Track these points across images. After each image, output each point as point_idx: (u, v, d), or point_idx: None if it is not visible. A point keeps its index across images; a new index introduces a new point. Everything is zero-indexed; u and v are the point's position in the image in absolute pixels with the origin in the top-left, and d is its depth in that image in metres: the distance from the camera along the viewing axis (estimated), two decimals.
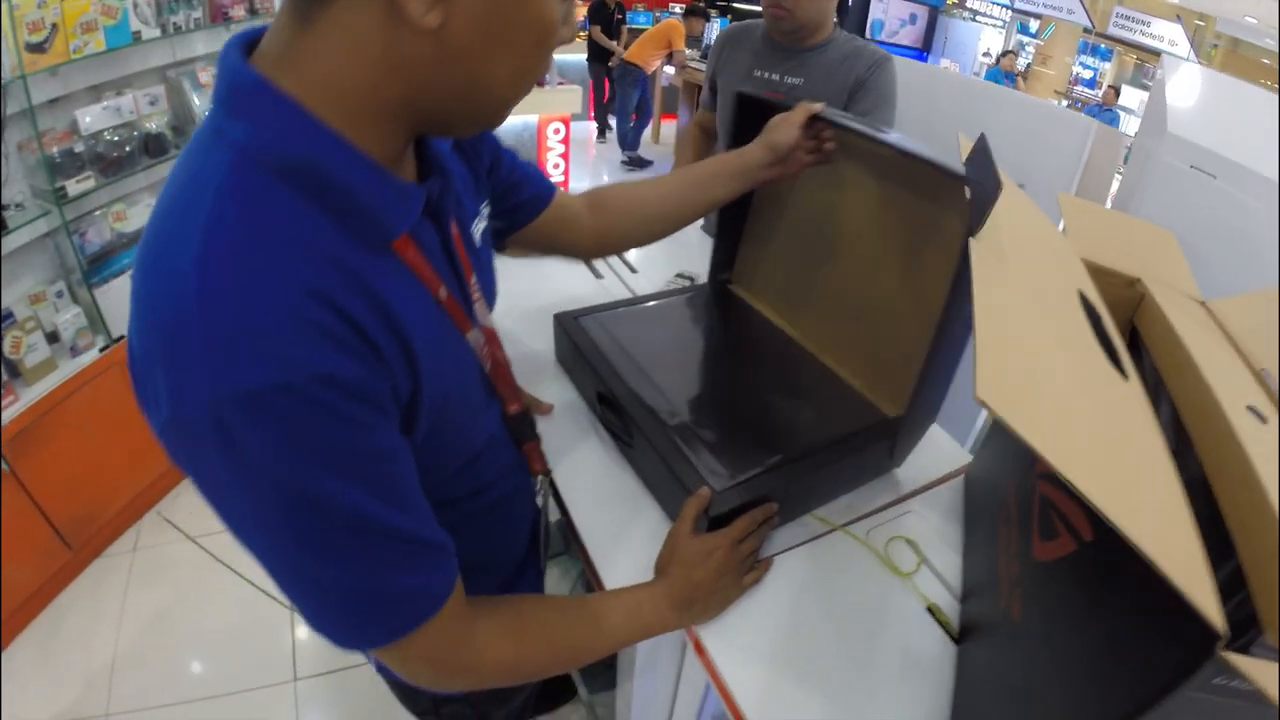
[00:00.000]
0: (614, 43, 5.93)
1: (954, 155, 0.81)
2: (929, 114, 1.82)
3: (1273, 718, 0.33)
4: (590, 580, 0.84)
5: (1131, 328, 0.77)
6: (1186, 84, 1.46)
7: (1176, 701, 0.36)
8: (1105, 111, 6.95)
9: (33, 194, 1.75)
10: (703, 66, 5.42)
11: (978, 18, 10.16)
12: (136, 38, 1.82)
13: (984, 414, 1.57)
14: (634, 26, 6.47)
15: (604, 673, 1.55)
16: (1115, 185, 1.78)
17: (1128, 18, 8.00)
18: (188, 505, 2.26)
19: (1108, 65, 9.13)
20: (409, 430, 0.51)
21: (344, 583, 0.47)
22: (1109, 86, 7.98)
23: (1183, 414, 0.59)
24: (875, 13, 9.49)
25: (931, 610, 0.77)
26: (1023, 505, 0.68)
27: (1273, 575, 0.40)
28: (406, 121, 0.48)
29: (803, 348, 1.06)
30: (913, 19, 9.71)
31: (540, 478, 0.79)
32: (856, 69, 1.50)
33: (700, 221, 1.79)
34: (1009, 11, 9.51)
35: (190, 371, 0.39)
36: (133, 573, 2.03)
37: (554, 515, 0.88)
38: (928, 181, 0.89)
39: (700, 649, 0.73)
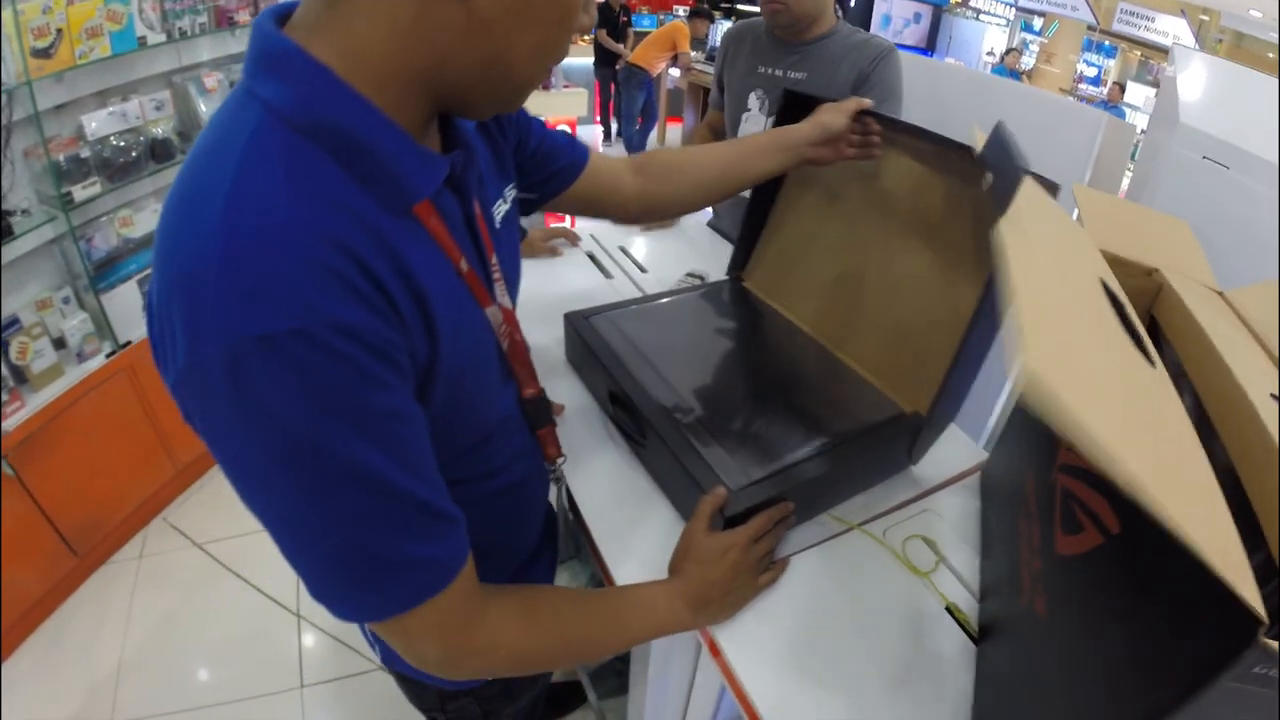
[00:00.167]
0: (620, 45, 5.93)
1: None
2: (939, 109, 1.81)
3: None
4: (603, 582, 0.83)
5: (1150, 318, 0.76)
6: (1197, 75, 1.45)
7: (1217, 691, 0.35)
8: (1111, 108, 6.92)
9: (39, 200, 1.75)
10: (707, 68, 5.43)
11: (981, 16, 10.14)
12: (142, 43, 1.82)
13: (998, 411, 1.55)
14: (639, 30, 6.48)
15: (613, 678, 1.54)
16: (1126, 181, 1.76)
17: (1132, 13, 7.97)
18: (194, 512, 2.26)
19: (1112, 62, 9.09)
20: (424, 399, 0.51)
21: (350, 544, 0.46)
22: (1114, 83, 7.95)
23: (1206, 402, 0.58)
24: (879, 12, 9.49)
25: (950, 610, 0.76)
26: (1043, 500, 0.67)
27: None
28: (430, 94, 0.49)
29: (820, 344, 1.04)
30: (917, 18, 9.69)
31: (555, 464, 0.78)
32: (860, 62, 1.49)
33: (707, 217, 1.80)
34: (1013, 9, 9.48)
35: (209, 313, 0.39)
36: (138, 579, 2.03)
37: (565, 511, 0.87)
38: (962, 178, 0.88)
39: (715, 650, 0.72)
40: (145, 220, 2.00)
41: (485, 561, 0.58)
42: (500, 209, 0.67)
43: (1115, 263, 0.74)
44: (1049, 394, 0.34)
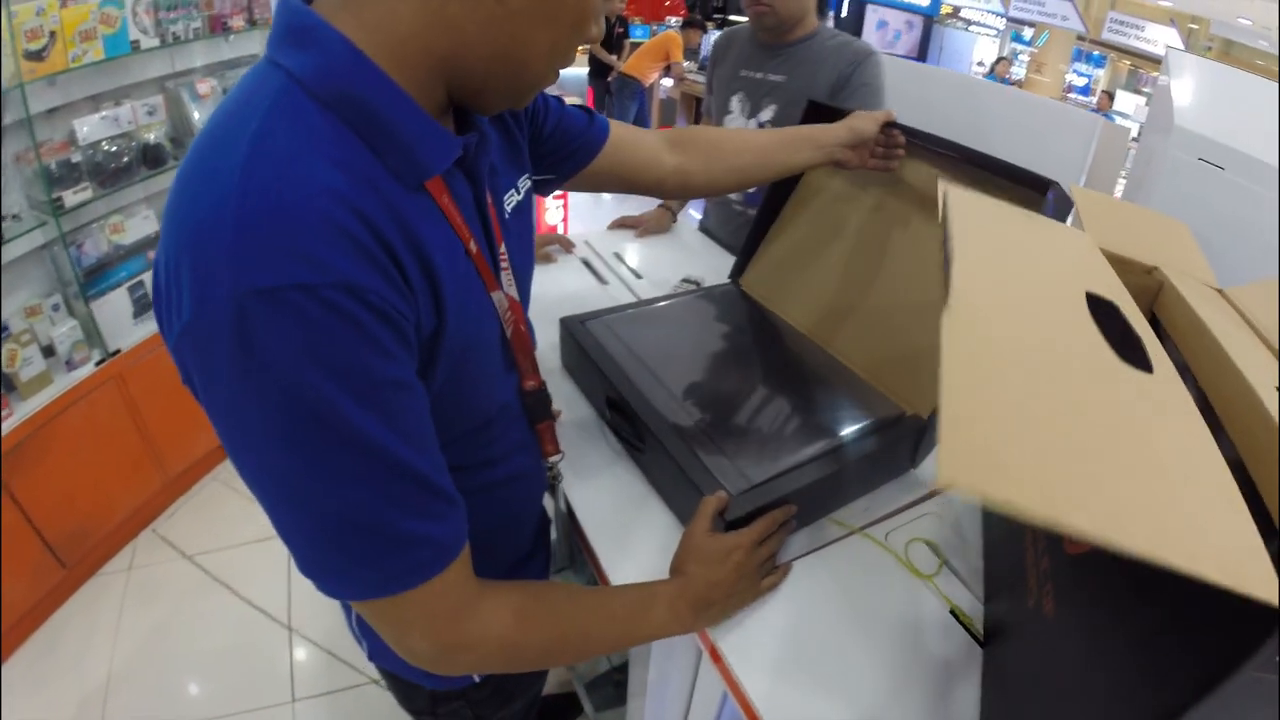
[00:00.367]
0: (613, 56, 5.96)
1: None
2: (935, 115, 1.81)
3: None
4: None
5: (1151, 315, 0.76)
6: (1192, 78, 1.46)
7: (1238, 682, 0.34)
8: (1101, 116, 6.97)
9: (29, 205, 1.73)
10: (700, 78, 5.47)
11: (971, 27, 10.24)
12: (135, 47, 1.81)
13: None
14: (635, 40, 6.51)
15: (610, 688, 1.52)
16: (1120, 186, 1.77)
17: (1122, 22, 8.06)
18: (184, 523, 2.23)
19: (1101, 71, 9.18)
20: (427, 375, 0.50)
21: (344, 512, 0.45)
22: (1103, 91, 8.03)
23: (1210, 397, 0.57)
24: (870, 23, 9.57)
25: (955, 613, 0.75)
26: None
27: None
28: (445, 82, 0.50)
29: (819, 347, 1.04)
30: (909, 27, 9.77)
31: (552, 460, 0.77)
32: (840, 65, 1.50)
33: (695, 220, 1.80)
34: (1003, 20, 9.58)
35: (219, 264, 0.39)
36: (128, 591, 2.00)
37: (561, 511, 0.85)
38: (976, 187, 0.88)
39: (716, 657, 0.71)
40: (136, 227, 1.98)
41: (478, 556, 0.57)
42: (512, 199, 0.67)
43: (1115, 261, 0.74)
44: (973, 493, 0.34)
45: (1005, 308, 0.52)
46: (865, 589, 0.77)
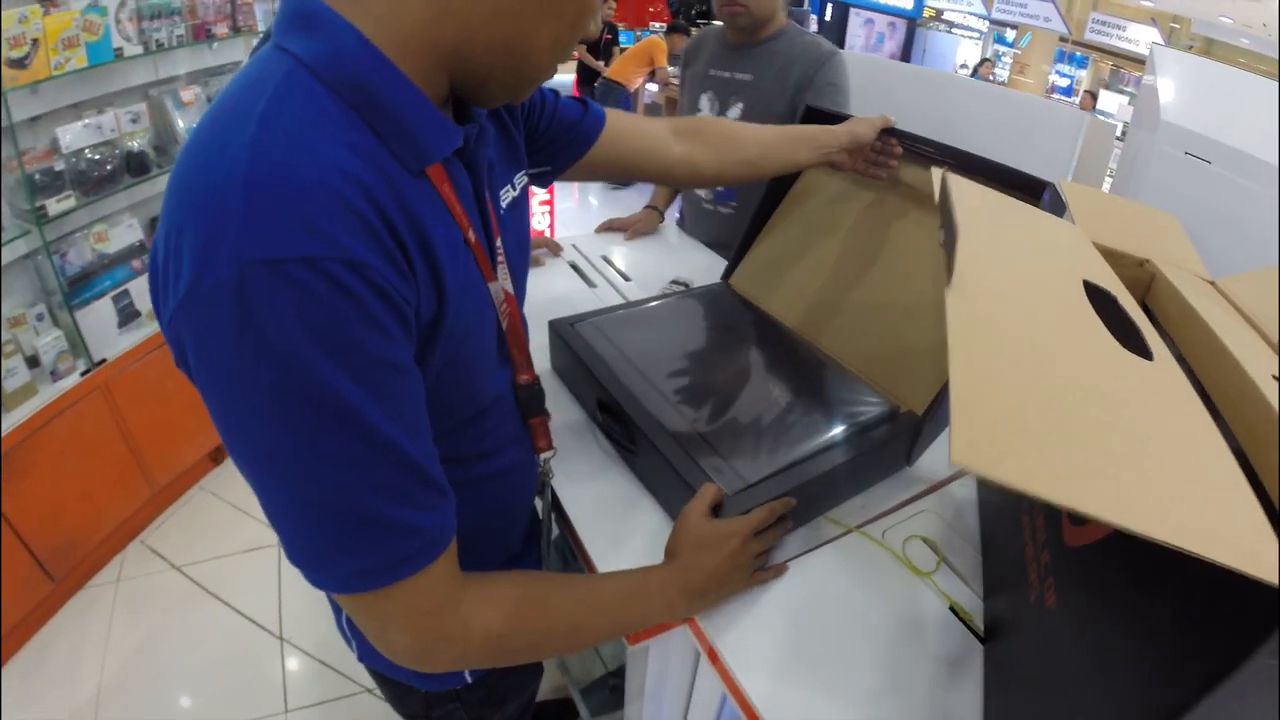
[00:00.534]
0: (600, 63, 5.97)
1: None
2: (923, 115, 1.83)
3: None
4: None
5: (1144, 308, 0.76)
6: (1177, 73, 1.47)
7: (1251, 670, 0.34)
8: None
9: (12, 214, 1.71)
10: None
11: (954, 30, 10.32)
12: (119, 54, 1.79)
13: None
14: (624, 46, 6.52)
15: (606, 692, 1.51)
16: (1107, 184, 1.78)
17: (1104, 23, 8.15)
18: (173, 534, 2.20)
19: (1083, 72, 9.27)
20: (423, 361, 0.50)
21: (332, 496, 0.44)
22: (1086, 91, 8.11)
23: (1207, 386, 0.57)
24: (853, 25, 9.63)
25: (954, 609, 0.74)
26: None
27: None
28: (448, 73, 0.50)
29: (811, 345, 1.03)
30: (892, 30, 9.84)
31: (545, 456, 0.76)
32: (805, 65, 1.51)
33: (673, 219, 1.80)
34: (985, 22, 9.66)
35: (224, 232, 0.39)
36: (117, 603, 1.97)
37: (554, 522, 0.85)
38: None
39: (715, 658, 0.70)
40: (120, 235, 1.96)
41: (467, 554, 0.56)
42: (508, 195, 0.67)
43: (1107, 254, 0.74)
44: (983, 475, 0.34)
45: (1007, 291, 0.52)
46: (864, 587, 0.77)
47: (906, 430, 0.88)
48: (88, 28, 1.68)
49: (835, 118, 1.02)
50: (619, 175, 0.92)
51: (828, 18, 9.62)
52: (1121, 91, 8.26)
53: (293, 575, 2.04)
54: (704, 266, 1.56)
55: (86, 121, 1.79)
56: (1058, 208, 0.86)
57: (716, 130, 0.96)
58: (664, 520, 0.84)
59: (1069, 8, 8.32)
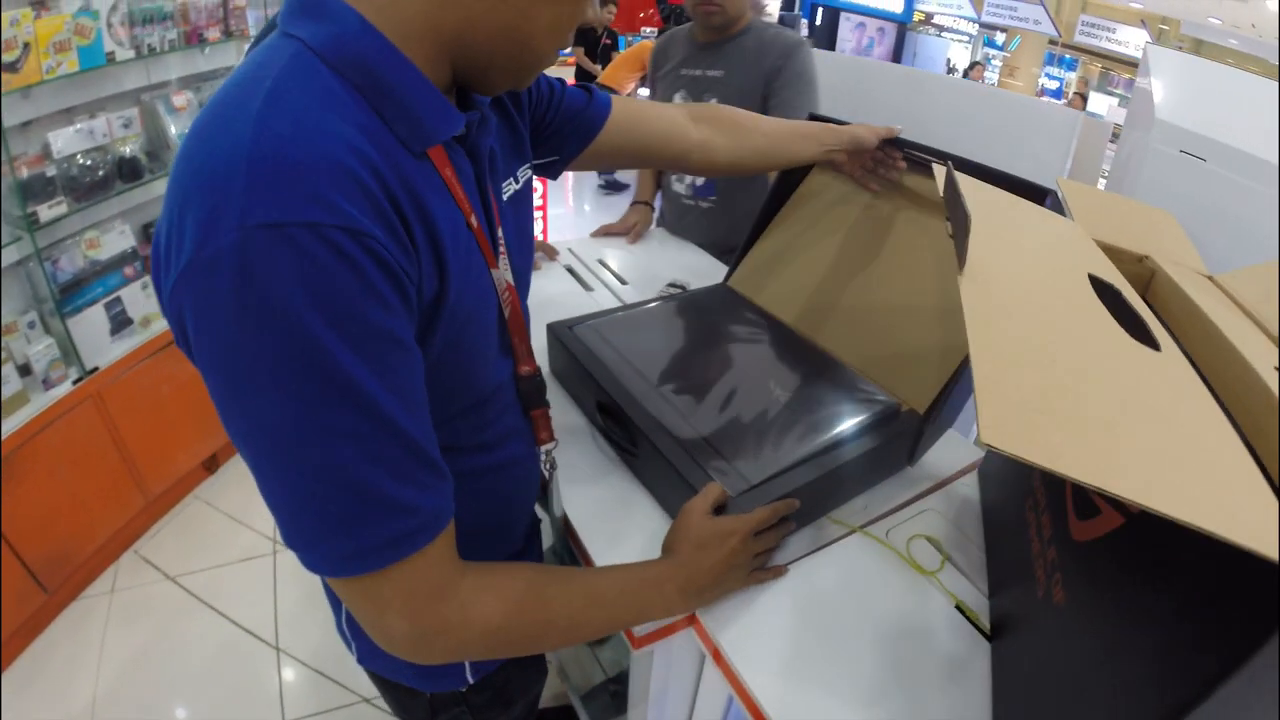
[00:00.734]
0: (597, 66, 5.98)
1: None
2: (917, 117, 1.83)
3: None
4: None
5: (1144, 302, 0.76)
6: (1170, 72, 1.47)
7: (1266, 656, 0.34)
8: None
9: (3, 220, 1.69)
10: None
11: (944, 33, 10.38)
12: (110, 58, 1.78)
13: None
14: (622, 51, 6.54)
15: (607, 698, 1.50)
16: (1101, 184, 1.79)
17: (1093, 25, 8.22)
18: (167, 544, 2.18)
19: (1073, 75, 9.35)
20: (425, 341, 0.50)
21: (328, 469, 0.44)
22: (1076, 94, 8.17)
23: (1209, 379, 0.57)
24: (844, 30, 9.68)
25: (960, 607, 0.74)
26: (1052, 489, 0.65)
27: None
28: (451, 60, 0.51)
29: (812, 344, 1.03)
30: (882, 34, 9.89)
31: (547, 448, 0.76)
32: (771, 57, 1.53)
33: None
34: (975, 25, 9.73)
35: (227, 202, 0.39)
36: (111, 614, 1.95)
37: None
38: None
39: (720, 659, 0.69)
40: (113, 242, 1.95)
41: (467, 549, 0.56)
42: (510, 187, 0.67)
43: (1106, 251, 0.75)
44: (1011, 454, 0.34)
45: (1018, 282, 0.52)
46: (869, 587, 0.77)
47: (909, 429, 0.87)
48: (79, 31, 1.67)
49: (839, 124, 1.03)
50: (633, 161, 0.92)
51: (818, 22, 9.66)
52: (1110, 93, 8.32)
53: (288, 584, 2.04)
54: (700, 269, 1.56)
55: (78, 126, 1.78)
56: (1059, 213, 0.86)
57: (729, 117, 0.96)
58: (664, 522, 0.84)
59: (1058, 10, 8.39)
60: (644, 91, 6.27)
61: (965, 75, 8.75)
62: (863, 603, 0.75)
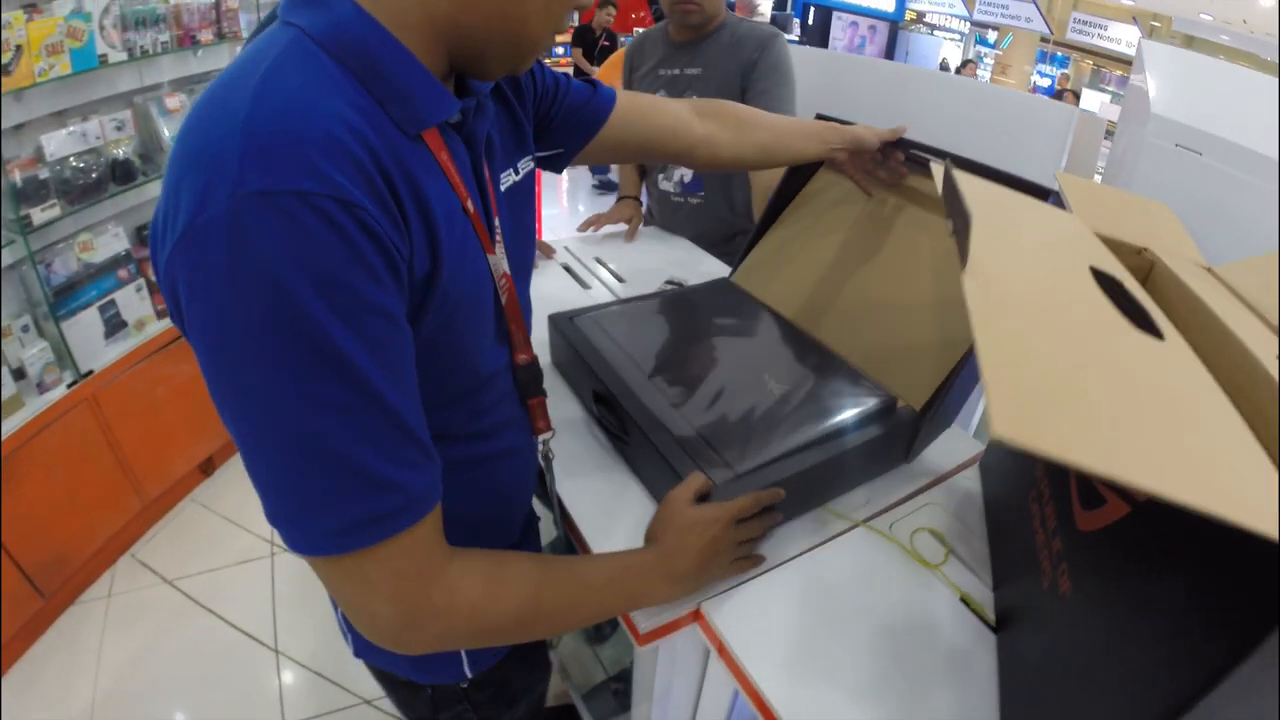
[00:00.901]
0: (594, 68, 5.98)
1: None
2: (912, 115, 1.83)
3: None
4: None
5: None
6: (1165, 66, 1.48)
7: (1273, 644, 0.34)
8: None
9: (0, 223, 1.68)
10: None
11: (935, 32, 10.41)
12: (103, 61, 1.77)
13: (983, 402, 1.56)
14: None
15: (609, 697, 1.50)
16: (1097, 179, 1.79)
17: (1085, 22, 8.26)
18: (164, 547, 2.18)
19: (1065, 72, 9.38)
20: (417, 320, 0.50)
21: (313, 442, 0.44)
22: (1068, 91, 8.20)
23: (1211, 369, 0.58)
24: (835, 29, 9.70)
25: (965, 600, 0.74)
26: (1056, 480, 0.66)
27: None
28: (447, 47, 0.52)
29: (810, 338, 1.03)
30: (873, 33, 9.91)
31: (544, 437, 0.75)
32: (747, 50, 1.53)
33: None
34: (967, 23, 9.76)
35: (223, 170, 0.40)
36: (109, 619, 1.94)
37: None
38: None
39: (726, 654, 0.69)
40: (106, 245, 1.94)
41: (467, 539, 0.55)
42: (509, 179, 0.67)
43: (1105, 243, 0.75)
44: (1026, 448, 0.33)
45: (1021, 276, 0.52)
46: (873, 581, 0.77)
47: (904, 426, 0.87)
48: (71, 34, 1.66)
49: (843, 125, 1.03)
50: (638, 155, 0.93)
51: (810, 22, 9.68)
52: (1103, 90, 8.36)
53: (287, 587, 2.03)
54: (697, 266, 1.56)
55: (71, 129, 1.77)
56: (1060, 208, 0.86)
57: (733, 112, 0.97)
58: (654, 509, 0.84)
59: (1050, 8, 8.42)
60: None
61: (958, 73, 8.78)
62: (867, 596, 0.75)
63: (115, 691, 1.75)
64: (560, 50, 6.51)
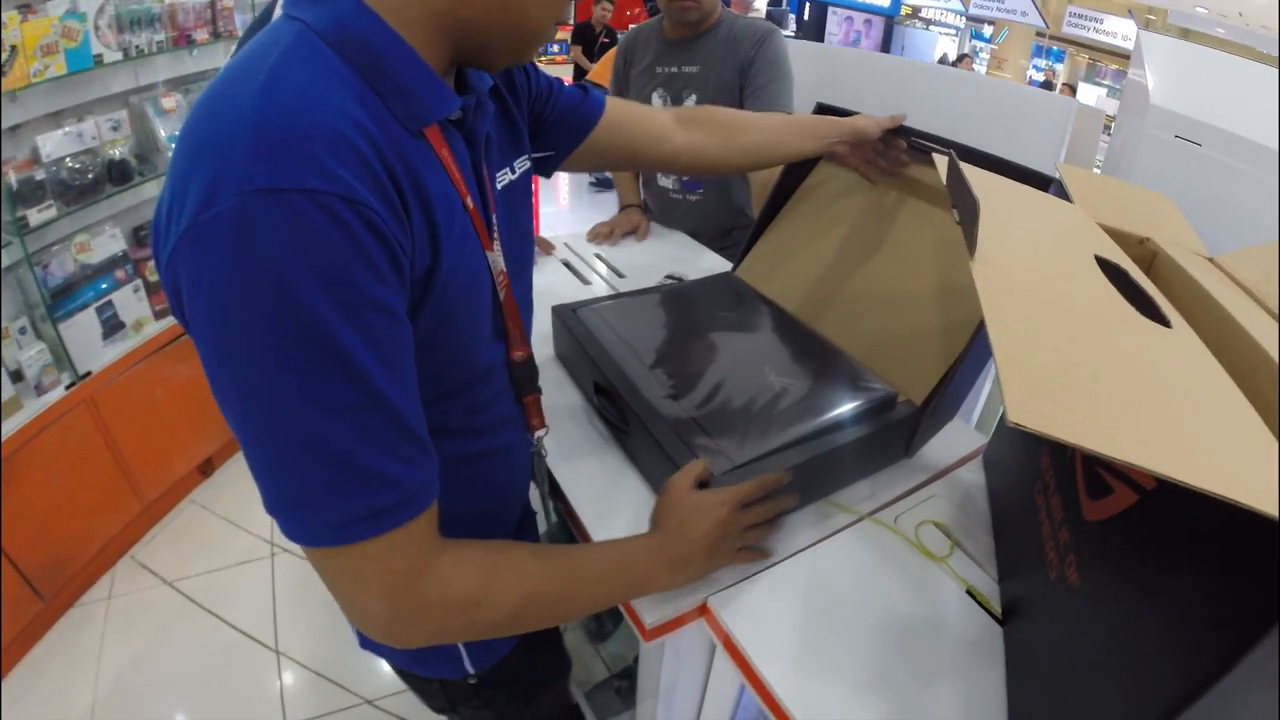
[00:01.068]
0: (593, 65, 5.97)
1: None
2: (913, 105, 1.83)
3: None
4: None
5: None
6: (1164, 58, 1.48)
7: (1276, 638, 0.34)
8: None
9: None
10: None
11: (931, 26, 10.41)
12: (98, 61, 1.76)
13: (985, 395, 1.56)
14: None
15: (612, 696, 1.50)
16: (1097, 171, 1.79)
17: (1081, 16, 8.26)
18: (163, 549, 2.17)
19: (1060, 66, 9.39)
20: (416, 314, 0.51)
21: (313, 436, 0.44)
22: (1064, 84, 8.21)
23: (1216, 357, 0.58)
24: (831, 24, 9.69)
25: (971, 592, 0.74)
26: (1061, 471, 0.65)
27: None
28: (449, 41, 0.52)
29: (811, 331, 1.03)
30: (869, 27, 9.91)
31: (538, 435, 0.75)
32: (745, 47, 1.53)
33: (686, 224, 1.80)
34: (963, 18, 9.75)
35: (230, 167, 0.40)
36: (109, 621, 1.94)
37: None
38: None
39: (733, 648, 0.69)
40: (103, 245, 1.93)
41: (460, 532, 0.55)
42: (505, 178, 0.67)
43: (1108, 234, 0.75)
44: (1040, 433, 0.34)
45: (1028, 265, 0.52)
46: (879, 574, 0.76)
47: (905, 419, 0.87)
48: (66, 34, 1.65)
49: (843, 114, 1.02)
50: (622, 163, 0.93)
51: (806, 17, 9.67)
52: (1099, 84, 8.36)
53: (287, 587, 2.02)
54: (696, 261, 1.56)
55: (67, 130, 1.76)
56: (1061, 198, 0.86)
57: (719, 118, 0.96)
58: (652, 498, 0.84)
59: (1045, 1, 8.42)
60: None
61: (954, 68, 8.77)
62: (873, 589, 0.74)
63: (116, 694, 1.75)
64: (556, 48, 6.50)
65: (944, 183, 0.88)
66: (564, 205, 5.69)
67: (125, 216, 2.03)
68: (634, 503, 0.84)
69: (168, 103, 2.03)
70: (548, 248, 1.57)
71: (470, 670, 0.78)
